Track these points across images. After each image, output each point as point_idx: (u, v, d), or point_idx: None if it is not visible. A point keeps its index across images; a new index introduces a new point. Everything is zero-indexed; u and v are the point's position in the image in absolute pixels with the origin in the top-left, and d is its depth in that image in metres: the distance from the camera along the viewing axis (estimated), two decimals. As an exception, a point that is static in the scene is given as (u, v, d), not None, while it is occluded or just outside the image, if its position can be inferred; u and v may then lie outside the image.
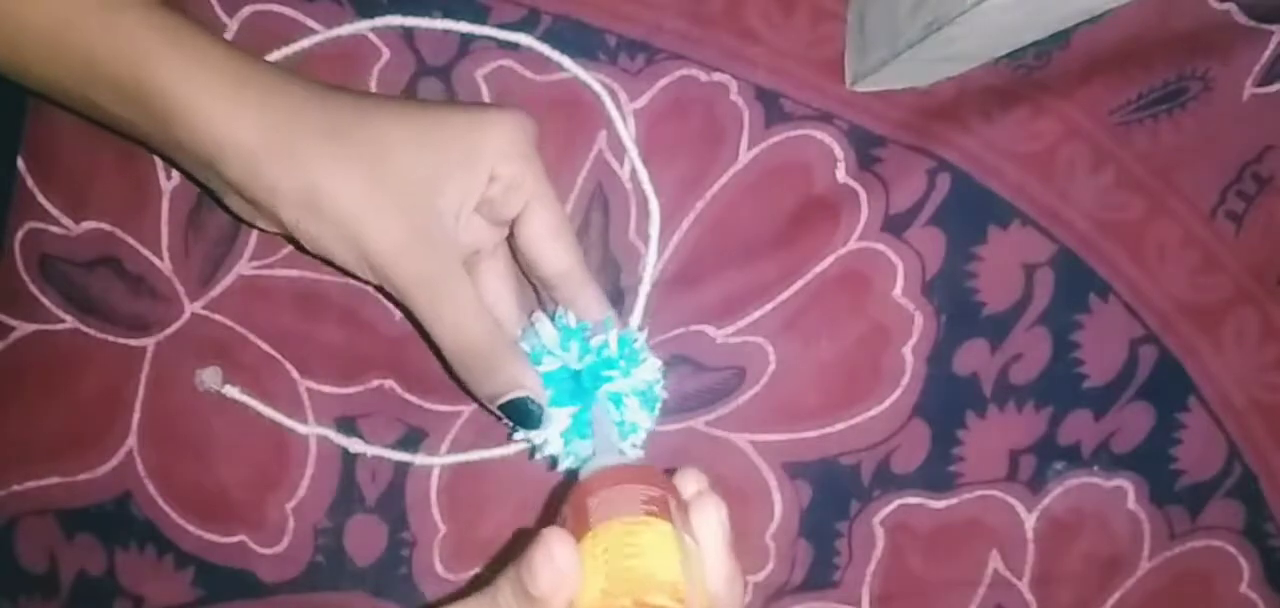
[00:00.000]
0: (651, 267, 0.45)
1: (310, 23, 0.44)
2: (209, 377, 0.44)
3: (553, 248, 0.41)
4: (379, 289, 0.41)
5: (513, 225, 0.41)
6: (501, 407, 0.39)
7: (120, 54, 0.35)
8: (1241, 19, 0.46)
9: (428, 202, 0.37)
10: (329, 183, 0.36)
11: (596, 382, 0.41)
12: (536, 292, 0.44)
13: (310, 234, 0.37)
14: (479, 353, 0.39)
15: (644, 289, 0.45)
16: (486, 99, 0.45)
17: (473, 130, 0.38)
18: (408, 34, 0.44)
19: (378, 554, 0.45)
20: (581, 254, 0.41)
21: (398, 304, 0.44)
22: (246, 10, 0.44)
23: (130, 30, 0.35)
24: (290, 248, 0.45)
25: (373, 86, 0.44)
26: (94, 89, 0.36)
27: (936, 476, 0.47)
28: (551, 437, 0.41)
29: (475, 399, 0.41)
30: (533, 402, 0.39)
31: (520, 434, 0.41)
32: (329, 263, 0.38)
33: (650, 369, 0.42)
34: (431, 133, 0.38)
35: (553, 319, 0.41)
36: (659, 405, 0.42)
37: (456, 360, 0.39)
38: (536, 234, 0.40)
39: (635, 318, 0.45)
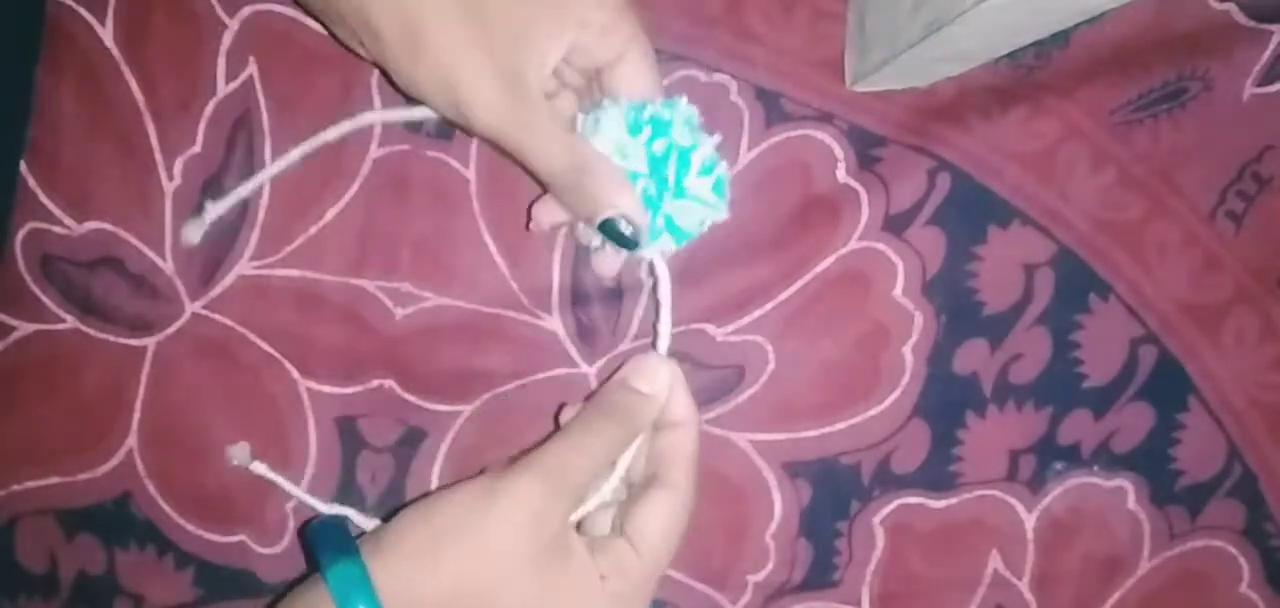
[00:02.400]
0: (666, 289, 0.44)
1: (311, 23, 0.44)
2: (237, 452, 0.45)
3: (644, 85, 0.40)
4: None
5: (602, 72, 0.40)
6: (598, 227, 0.40)
7: None
8: (1241, 19, 0.46)
9: (519, 50, 0.38)
10: (431, 26, 0.37)
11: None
12: None
13: (407, 75, 0.38)
14: (569, 180, 0.39)
15: (665, 332, 0.43)
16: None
17: None
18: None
19: (378, 554, 0.45)
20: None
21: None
22: (246, 10, 0.44)
23: None
24: (291, 247, 0.45)
25: (374, 89, 0.45)
26: None
27: (936, 475, 0.47)
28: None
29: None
30: (625, 221, 0.40)
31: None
32: (418, 101, 0.39)
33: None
34: None
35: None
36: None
37: (551, 187, 0.41)
38: (628, 77, 0.40)
39: (663, 338, 0.43)
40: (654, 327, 0.43)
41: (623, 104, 0.41)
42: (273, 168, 0.44)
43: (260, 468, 0.45)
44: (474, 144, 0.45)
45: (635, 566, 0.38)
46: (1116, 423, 0.47)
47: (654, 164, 0.40)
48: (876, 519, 0.47)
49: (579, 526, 0.40)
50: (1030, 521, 0.47)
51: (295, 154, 0.44)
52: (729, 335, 0.46)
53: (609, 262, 0.43)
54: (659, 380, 0.41)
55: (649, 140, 0.40)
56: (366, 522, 0.45)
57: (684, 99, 0.41)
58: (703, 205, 0.41)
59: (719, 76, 0.45)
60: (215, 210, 0.44)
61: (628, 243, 0.40)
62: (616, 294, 0.45)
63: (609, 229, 0.40)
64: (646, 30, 0.40)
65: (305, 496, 0.45)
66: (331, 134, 0.44)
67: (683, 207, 0.41)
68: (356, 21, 0.38)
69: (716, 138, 0.42)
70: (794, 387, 0.46)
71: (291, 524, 0.45)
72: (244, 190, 0.44)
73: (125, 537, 0.46)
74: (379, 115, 0.45)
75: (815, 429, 0.46)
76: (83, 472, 0.45)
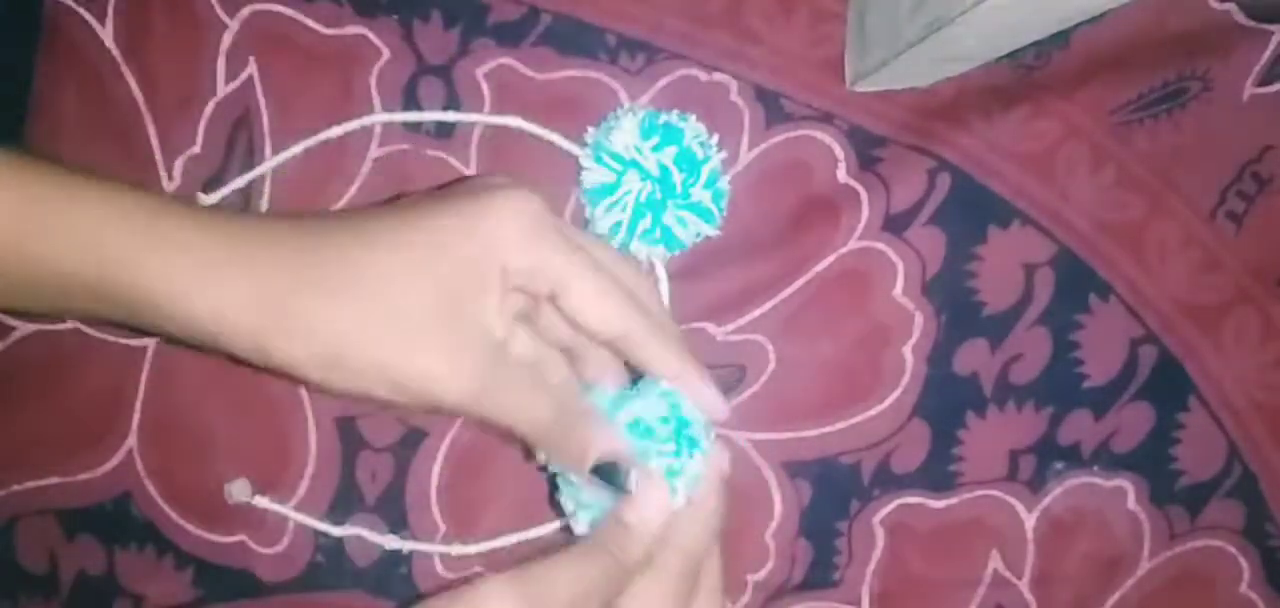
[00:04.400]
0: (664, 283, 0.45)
1: (310, 22, 0.44)
2: (237, 489, 0.45)
3: (598, 315, 0.37)
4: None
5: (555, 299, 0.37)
6: (592, 473, 0.37)
7: (86, 260, 0.32)
8: (1241, 19, 0.46)
9: (449, 320, 0.35)
10: (346, 339, 0.34)
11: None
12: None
13: (341, 386, 0.35)
14: (555, 433, 0.37)
15: None
16: (487, 98, 0.45)
17: (473, 234, 0.36)
18: (407, 33, 0.44)
19: (377, 554, 0.45)
20: (636, 307, 0.37)
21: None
22: (246, 10, 0.44)
23: (92, 230, 0.32)
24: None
25: (373, 87, 0.45)
26: (68, 298, 0.33)
27: (936, 475, 0.47)
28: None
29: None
30: (612, 463, 0.37)
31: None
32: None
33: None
34: (431, 249, 0.35)
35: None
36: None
37: (533, 443, 0.38)
38: (576, 309, 0.37)
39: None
40: None
41: (639, 111, 0.43)
42: (273, 160, 0.44)
43: (263, 502, 0.45)
44: (474, 143, 0.45)
45: None
46: (1117, 423, 0.47)
47: (663, 170, 0.42)
48: (876, 519, 0.47)
49: None
50: (1030, 521, 0.47)
51: (297, 148, 0.44)
52: (729, 334, 0.46)
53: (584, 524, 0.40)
54: (648, 511, 0.36)
55: (659, 146, 0.42)
56: (368, 523, 0.45)
57: (694, 117, 0.43)
58: (701, 217, 0.43)
59: (719, 76, 0.45)
60: (207, 201, 0.44)
61: (617, 482, 0.37)
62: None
63: (600, 471, 0.37)
64: (570, 248, 0.36)
65: (305, 518, 0.45)
66: (334, 132, 0.44)
67: (683, 216, 0.43)
68: (266, 359, 0.34)
69: (722, 155, 0.43)
70: (794, 386, 0.46)
71: (291, 525, 0.45)
72: (240, 182, 0.44)
73: (125, 537, 0.45)
74: (380, 117, 0.45)
75: (815, 429, 0.46)
76: (83, 472, 0.45)
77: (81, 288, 0.33)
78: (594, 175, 0.43)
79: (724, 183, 0.44)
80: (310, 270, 0.34)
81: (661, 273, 0.45)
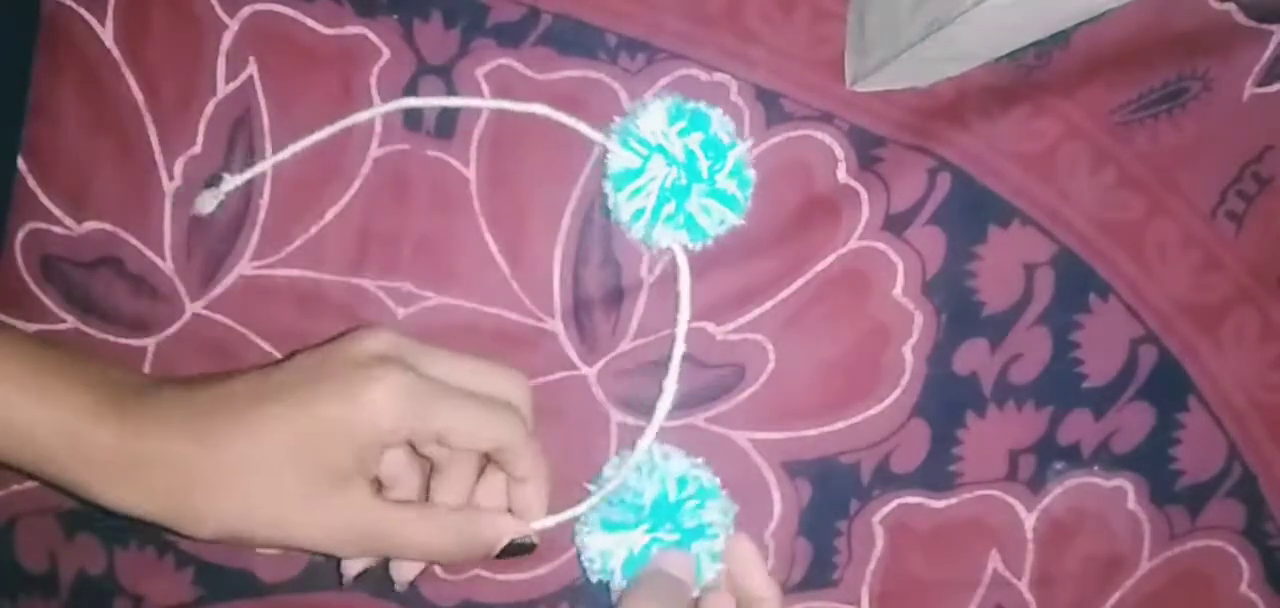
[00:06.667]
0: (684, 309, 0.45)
1: (310, 22, 0.44)
2: None
3: (482, 441, 0.40)
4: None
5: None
6: (500, 558, 0.42)
7: (22, 450, 0.36)
8: (1241, 19, 0.46)
9: (333, 490, 0.38)
10: (245, 523, 0.38)
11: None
12: None
13: (253, 548, 0.41)
14: (452, 554, 0.41)
15: (681, 328, 0.44)
16: (488, 97, 0.45)
17: (352, 420, 0.38)
18: (407, 33, 0.45)
19: (378, 554, 0.46)
20: (513, 421, 0.40)
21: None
22: (246, 10, 0.44)
23: (25, 428, 0.36)
24: (291, 247, 0.45)
25: (373, 87, 0.45)
26: (14, 466, 0.37)
27: (936, 475, 0.47)
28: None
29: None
30: (512, 546, 0.41)
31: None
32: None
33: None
34: (314, 434, 0.38)
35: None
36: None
37: (441, 561, 0.43)
38: (461, 444, 0.40)
39: (680, 333, 0.44)
40: (674, 316, 0.44)
41: (666, 98, 0.43)
42: (272, 159, 0.44)
43: None
44: (474, 143, 0.45)
45: None
46: (1116, 423, 0.47)
47: (689, 155, 0.42)
48: (876, 519, 0.47)
49: None
50: (1030, 521, 0.47)
51: (307, 141, 0.44)
52: (729, 334, 0.46)
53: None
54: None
55: (685, 131, 0.42)
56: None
57: (720, 110, 0.43)
58: (726, 205, 0.43)
59: (719, 76, 0.45)
60: (232, 182, 0.44)
61: (526, 551, 0.42)
62: (616, 295, 0.45)
63: (511, 549, 0.41)
64: (446, 401, 0.39)
65: None
66: (338, 127, 0.44)
67: (708, 204, 0.43)
68: (122, 502, 0.37)
69: (748, 143, 0.44)
70: (794, 386, 0.46)
71: (291, 524, 0.45)
72: (240, 180, 0.44)
73: (125, 537, 0.46)
74: (379, 110, 0.45)
75: (815, 428, 0.46)
76: (83, 471, 0.45)
77: (24, 465, 0.37)
78: (619, 159, 0.43)
79: (750, 172, 0.44)
80: (204, 471, 0.37)
81: (682, 261, 0.44)
